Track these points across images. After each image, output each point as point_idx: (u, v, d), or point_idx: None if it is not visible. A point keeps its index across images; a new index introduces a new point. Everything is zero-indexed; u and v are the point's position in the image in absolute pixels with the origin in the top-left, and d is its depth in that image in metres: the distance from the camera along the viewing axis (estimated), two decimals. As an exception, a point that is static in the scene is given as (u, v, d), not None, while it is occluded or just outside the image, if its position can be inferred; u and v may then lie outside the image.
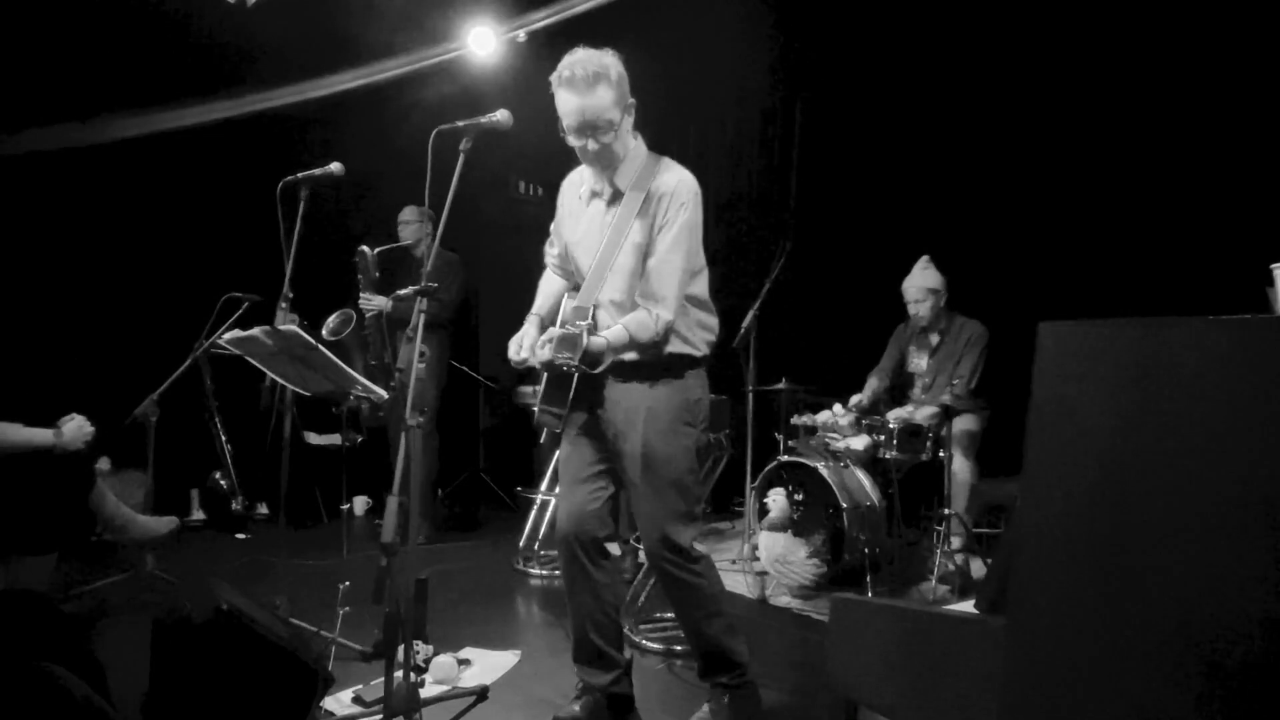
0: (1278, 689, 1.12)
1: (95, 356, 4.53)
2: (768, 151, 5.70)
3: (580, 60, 2.15)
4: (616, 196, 2.30)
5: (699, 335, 2.38)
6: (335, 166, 2.89)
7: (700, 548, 2.37)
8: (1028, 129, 4.38)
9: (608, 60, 2.17)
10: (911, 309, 4.23)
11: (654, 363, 2.30)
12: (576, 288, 2.40)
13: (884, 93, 4.97)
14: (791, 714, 2.60)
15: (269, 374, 2.90)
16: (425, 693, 2.52)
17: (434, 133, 2.19)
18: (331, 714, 2.46)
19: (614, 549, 2.52)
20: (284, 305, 2.81)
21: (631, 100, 2.24)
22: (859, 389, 4.35)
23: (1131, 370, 1.25)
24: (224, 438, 4.80)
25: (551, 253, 2.58)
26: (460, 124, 2.22)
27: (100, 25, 4.59)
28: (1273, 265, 1.68)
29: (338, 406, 4.85)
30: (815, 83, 5.38)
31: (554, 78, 2.18)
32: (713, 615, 2.39)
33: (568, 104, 2.17)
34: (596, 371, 2.21)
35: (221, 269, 4.40)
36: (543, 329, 2.41)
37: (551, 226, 2.55)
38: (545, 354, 2.13)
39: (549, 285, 2.58)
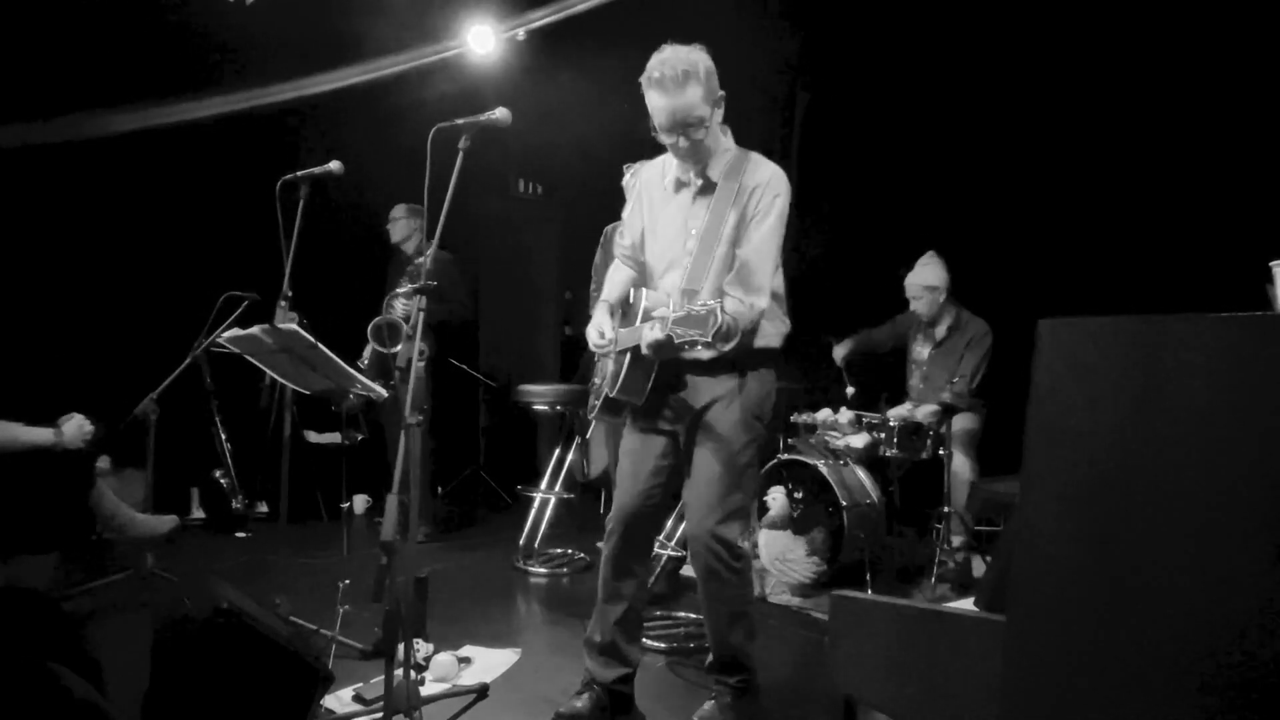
0: (1275, 687, 1.12)
1: (95, 355, 4.52)
2: (769, 145, 5.68)
3: (668, 60, 2.15)
4: (709, 187, 2.29)
5: (778, 326, 2.40)
6: (335, 165, 2.88)
7: (745, 545, 2.37)
8: (1030, 125, 4.38)
9: (696, 57, 2.17)
10: (912, 304, 4.25)
11: (733, 355, 2.28)
12: (644, 280, 2.40)
13: (886, 86, 4.96)
14: (792, 712, 2.60)
15: (268, 372, 2.90)
16: (425, 691, 2.52)
17: (433, 130, 2.19)
18: (332, 712, 2.46)
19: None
20: (283, 304, 2.80)
21: (721, 93, 2.24)
22: (859, 388, 4.36)
23: (1131, 368, 1.25)
24: (224, 436, 4.80)
25: (623, 244, 2.55)
26: (459, 122, 2.22)
27: (98, 21, 4.58)
28: (1272, 263, 1.68)
29: (337, 405, 4.85)
30: (816, 76, 5.37)
31: (643, 79, 2.19)
32: (739, 616, 2.39)
33: (657, 103, 2.18)
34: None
35: (221, 267, 4.40)
36: (613, 317, 2.41)
37: (624, 215, 2.53)
38: (658, 335, 2.04)
39: (618, 274, 2.57)
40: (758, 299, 2.21)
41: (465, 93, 5.36)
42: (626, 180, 3.44)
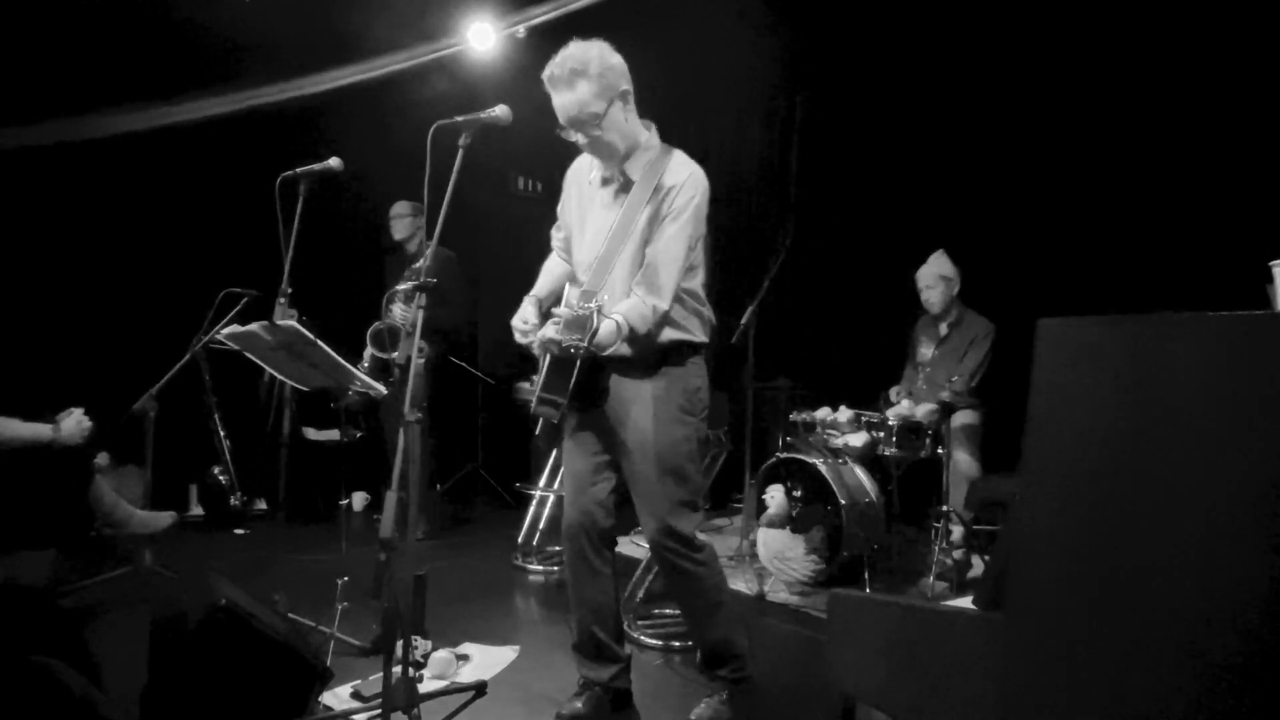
0: (1273, 684, 1.12)
1: (94, 352, 4.52)
2: (768, 146, 5.69)
3: (559, 59, 2.18)
4: (627, 185, 2.30)
5: (696, 323, 2.38)
6: (334, 162, 2.88)
7: (703, 537, 2.37)
8: (1029, 126, 4.38)
9: (590, 54, 2.17)
10: (923, 295, 4.24)
11: (653, 351, 2.30)
12: (577, 274, 2.40)
13: (886, 87, 4.96)
14: (790, 710, 2.60)
15: (267, 369, 2.89)
16: (423, 688, 2.51)
17: (433, 128, 2.18)
18: (330, 709, 2.46)
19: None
20: (282, 300, 2.80)
21: (625, 89, 2.23)
22: (858, 387, 4.36)
23: (1130, 367, 1.25)
24: (222, 433, 4.79)
25: (558, 236, 2.58)
26: (459, 119, 2.21)
27: (99, 20, 4.58)
28: (1272, 262, 1.68)
29: (336, 402, 4.85)
30: (816, 76, 5.37)
31: (543, 77, 2.21)
32: (715, 605, 2.40)
33: (554, 102, 2.22)
34: (605, 354, 2.17)
35: (220, 264, 4.39)
36: (541, 310, 2.41)
37: (558, 209, 2.54)
38: (551, 334, 2.08)
39: (552, 268, 2.58)
40: (659, 300, 2.21)
41: (465, 90, 5.36)
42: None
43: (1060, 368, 1.31)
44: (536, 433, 2.57)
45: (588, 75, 2.16)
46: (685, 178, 2.26)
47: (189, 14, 4.79)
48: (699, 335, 2.39)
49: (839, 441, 4.07)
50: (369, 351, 4.62)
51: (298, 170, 2.85)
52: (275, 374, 2.90)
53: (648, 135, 2.33)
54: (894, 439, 3.85)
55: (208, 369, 4.60)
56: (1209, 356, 1.18)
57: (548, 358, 2.27)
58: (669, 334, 2.31)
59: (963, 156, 4.67)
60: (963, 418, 4.00)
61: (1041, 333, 1.32)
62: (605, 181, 2.36)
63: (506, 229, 6.20)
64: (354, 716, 2.42)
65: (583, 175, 2.44)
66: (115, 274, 4.77)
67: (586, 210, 2.41)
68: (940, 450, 3.75)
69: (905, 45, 4.81)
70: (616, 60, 2.22)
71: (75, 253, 4.63)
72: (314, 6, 4.82)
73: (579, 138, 2.24)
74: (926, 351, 4.34)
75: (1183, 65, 3.80)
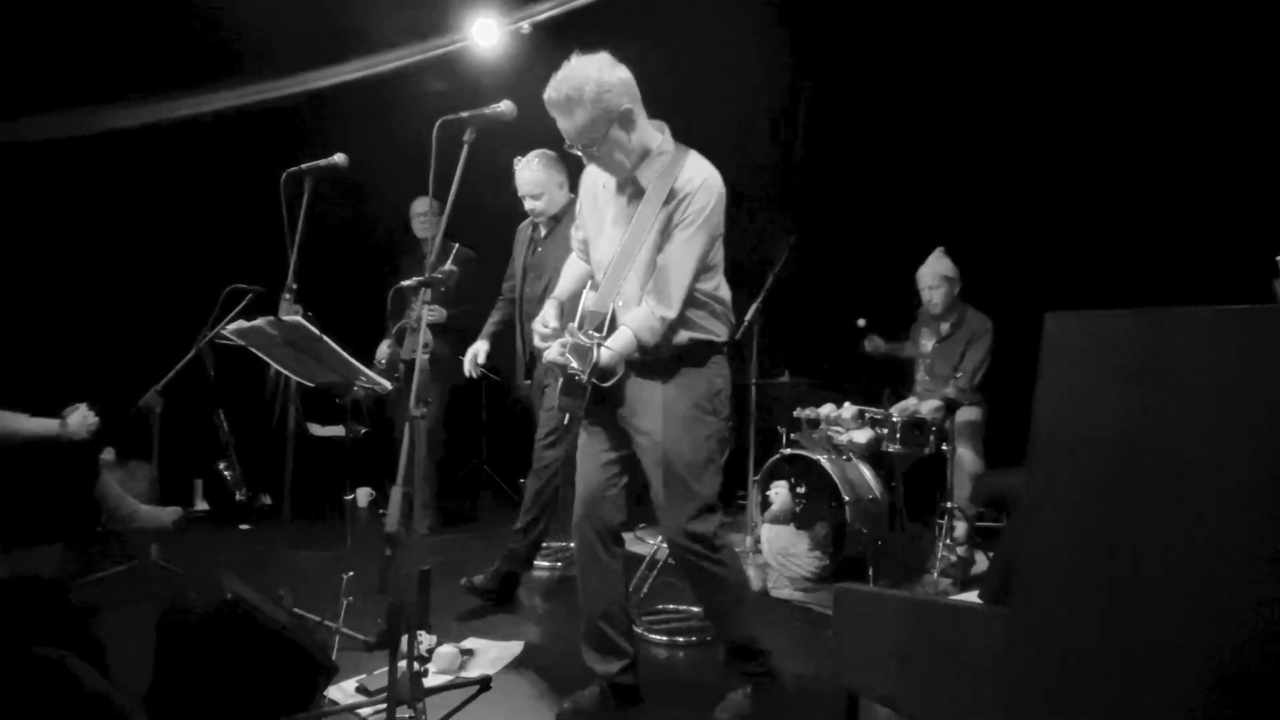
0: (1279, 680, 1.12)
1: (99, 347, 4.53)
2: (772, 143, 5.67)
3: (555, 83, 2.17)
4: (639, 192, 2.28)
5: (715, 322, 2.38)
6: (339, 157, 2.88)
7: (723, 537, 2.37)
8: (1034, 121, 4.37)
9: (587, 77, 2.14)
10: (925, 295, 4.24)
11: (671, 352, 2.29)
12: (595, 275, 2.40)
13: (890, 84, 4.94)
14: (794, 705, 2.60)
15: (272, 365, 2.90)
16: (428, 683, 2.52)
17: (438, 124, 2.18)
18: (335, 703, 2.46)
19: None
20: (288, 296, 2.81)
21: (625, 108, 2.18)
22: (862, 383, 4.36)
23: (1137, 361, 1.25)
24: (227, 428, 4.80)
25: (577, 237, 2.57)
26: (464, 115, 2.22)
27: (103, 14, 4.58)
28: (1278, 256, 1.68)
29: (341, 398, 4.85)
30: (821, 74, 5.36)
31: (544, 98, 2.20)
32: (738, 603, 2.40)
33: (557, 123, 2.22)
34: (606, 385, 2.17)
35: (225, 260, 4.39)
36: (562, 313, 2.41)
37: (576, 210, 2.54)
38: (557, 358, 2.11)
39: (573, 269, 2.58)
40: (667, 310, 2.21)
41: (469, 86, 5.35)
42: None
43: (1067, 361, 1.31)
44: (564, 422, 2.58)
45: (582, 102, 2.14)
46: (699, 184, 2.24)
47: (192, 9, 4.80)
48: (719, 335, 2.38)
49: (843, 438, 4.07)
50: (388, 345, 4.61)
51: (303, 166, 2.86)
52: (280, 369, 2.90)
53: (660, 140, 2.30)
54: (898, 435, 3.84)
55: (213, 364, 4.60)
56: (1217, 351, 1.18)
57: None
58: (686, 335, 2.31)
59: (968, 152, 4.65)
60: (966, 414, 4.00)
61: (1048, 326, 1.31)
62: (620, 187, 2.35)
63: (511, 226, 6.19)
64: (359, 711, 2.42)
65: (598, 180, 2.43)
66: (120, 269, 4.78)
67: (603, 215, 2.40)
68: (944, 446, 3.74)
69: (910, 42, 4.79)
70: (616, 78, 2.17)
71: (80, 248, 4.64)
72: (317, 2, 4.82)
73: (586, 155, 2.25)
74: (927, 345, 4.34)
75: (1187, 58, 3.79)
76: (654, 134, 2.30)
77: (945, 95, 4.71)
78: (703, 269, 2.29)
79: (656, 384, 2.31)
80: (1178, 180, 3.87)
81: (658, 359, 2.29)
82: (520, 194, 3.58)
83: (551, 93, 2.16)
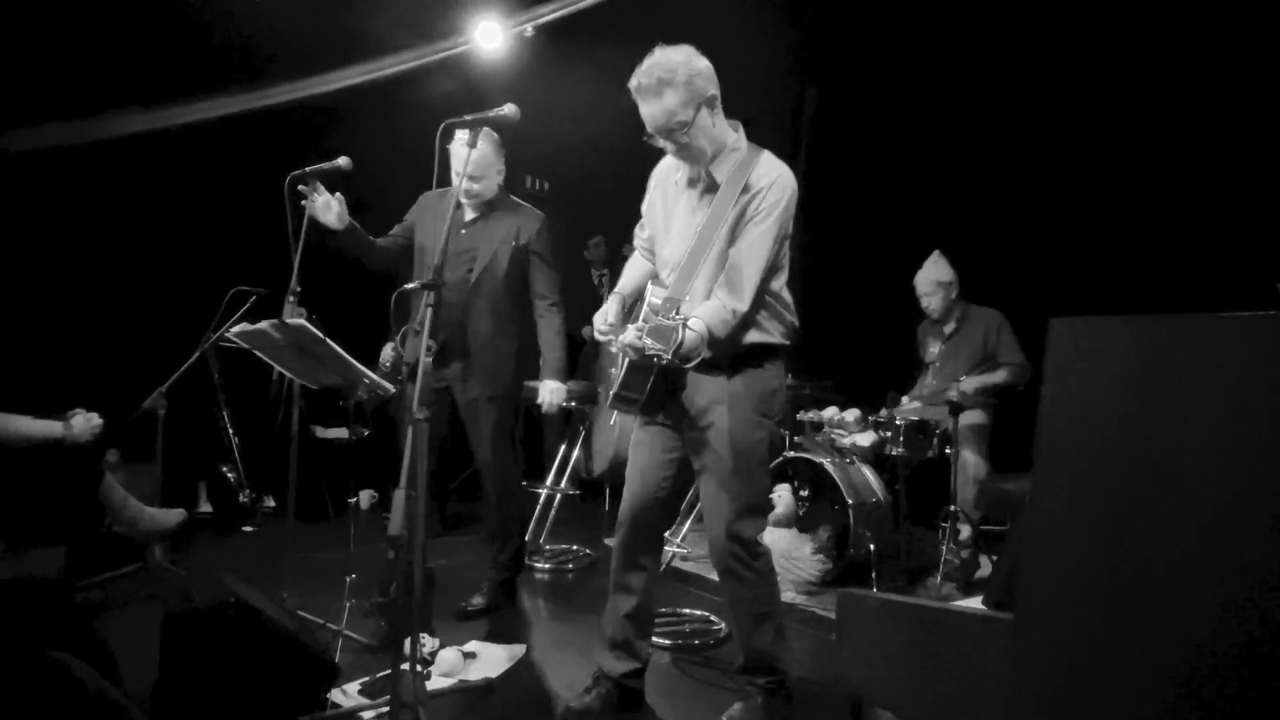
0: (1287, 687, 1.12)
1: (104, 349, 4.54)
2: (776, 145, 5.67)
3: (645, 68, 2.18)
4: (712, 186, 2.29)
5: (776, 325, 2.37)
6: (343, 161, 2.89)
7: (765, 544, 2.37)
8: (1038, 124, 4.36)
9: (676, 60, 2.17)
10: (923, 302, 4.24)
11: (733, 352, 2.29)
12: (660, 273, 2.40)
13: (893, 87, 4.94)
14: (798, 710, 2.59)
15: (276, 367, 2.90)
16: (431, 685, 2.53)
17: (441, 127, 2.19)
18: (338, 706, 2.46)
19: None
20: (292, 299, 2.81)
21: (712, 93, 2.21)
22: (866, 385, 4.35)
23: (1141, 367, 1.24)
24: (231, 431, 4.82)
25: (642, 235, 2.57)
26: (468, 118, 2.22)
27: (109, 20, 4.60)
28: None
29: (344, 400, 4.86)
30: (823, 76, 5.36)
31: (630, 87, 2.21)
32: (765, 616, 2.40)
33: (641, 110, 2.21)
34: (688, 366, 2.15)
35: (229, 263, 4.41)
36: (624, 308, 2.42)
37: (643, 208, 2.53)
38: (634, 340, 2.07)
39: (635, 267, 2.58)
40: (738, 304, 2.21)
41: (473, 89, 5.36)
42: None
43: (1072, 367, 1.30)
44: (611, 422, 2.57)
45: (674, 84, 2.15)
46: (774, 179, 2.25)
47: (197, 14, 4.81)
48: (778, 338, 2.38)
49: (846, 441, 4.07)
50: (391, 348, 4.60)
51: (307, 169, 2.86)
52: (284, 372, 2.91)
53: (735, 136, 2.31)
54: (901, 439, 3.84)
55: (217, 367, 4.62)
56: (1222, 357, 1.17)
57: (626, 356, 2.26)
58: (750, 336, 2.30)
59: (971, 155, 4.65)
60: (971, 417, 3.99)
61: (1054, 332, 1.31)
62: (691, 183, 2.35)
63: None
64: (361, 713, 2.42)
65: (668, 176, 2.43)
66: (125, 272, 4.79)
67: (672, 211, 2.40)
68: (948, 450, 3.74)
69: (913, 44, 4.79)
70: (703, 65, 2.21)
71: (85, 251, 4.65)
72: (321, 6, 4.83)
73: (667, 144, 2.24)
74: (933, 349, 4.33)
75: (1192, 61, 3.78)
76: (730, 130, 2.31)
77: (949, 100, 4.71)
78: (773, 266, 2.29)
79: (718, 382, 2.30)
80: (1183, 185, 3.87)
81: (719, 359, 2.27)
82: (458, 170, 3.00)
83: (642, 78, 2.17)
